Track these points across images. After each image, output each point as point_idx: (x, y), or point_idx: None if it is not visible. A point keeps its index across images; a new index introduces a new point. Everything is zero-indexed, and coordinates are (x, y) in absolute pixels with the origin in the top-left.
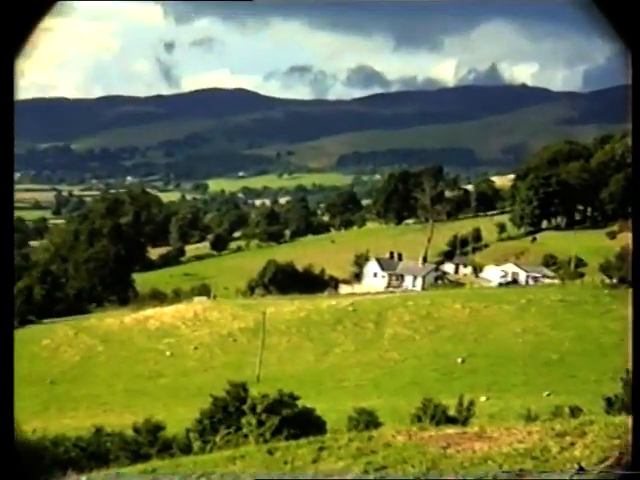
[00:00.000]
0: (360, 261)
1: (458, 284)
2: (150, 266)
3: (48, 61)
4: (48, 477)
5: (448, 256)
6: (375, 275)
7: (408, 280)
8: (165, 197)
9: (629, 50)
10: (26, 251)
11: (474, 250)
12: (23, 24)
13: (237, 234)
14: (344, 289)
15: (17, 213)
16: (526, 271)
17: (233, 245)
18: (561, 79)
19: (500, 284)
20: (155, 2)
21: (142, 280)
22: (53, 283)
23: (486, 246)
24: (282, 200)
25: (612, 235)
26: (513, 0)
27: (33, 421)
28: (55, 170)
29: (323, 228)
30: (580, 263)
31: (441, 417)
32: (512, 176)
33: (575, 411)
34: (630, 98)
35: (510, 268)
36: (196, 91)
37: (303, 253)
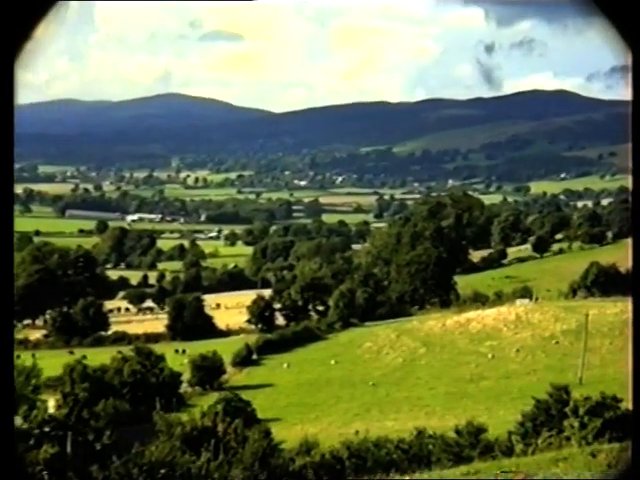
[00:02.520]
0: None
1: None
2: (472, 268)
3: (372, 65)
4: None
5: None
6: None
7: None
8: (487, 199)
9: (629, 50)
10: (348, 254)
11: None
12: (23, 25)
13: (559, 236)
14: None
15: (340, 216)
16: None
17: (555, 247)
18: None
19: None
20: (477, 6)
21: (464, 282)
22: (375, 286)
23: None
24: (604, 202)
25: None
26: None
27: (355, 423)
28: (377, 174)
29: None
30: None
31: None
32: None
33: None
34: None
35: None
36: (517, 93)
37: (626, 255)
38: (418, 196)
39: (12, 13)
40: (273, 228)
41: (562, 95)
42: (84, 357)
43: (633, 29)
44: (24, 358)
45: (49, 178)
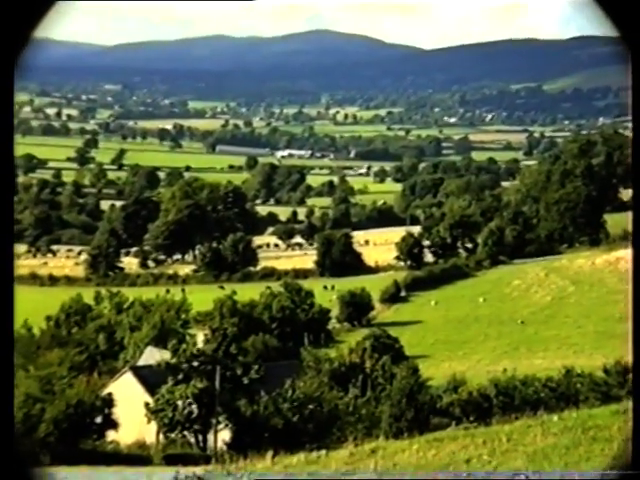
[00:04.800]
0: None
1: None
2: (622, 207)
3: (524, 3)
4: (519, 415)
5: None
6: None
7: None
8: None
9: (629, 50)
10: (498, 192)
11: None
12: (23, 24)
13: None
14: None
15: (489, 154)
16: None
17: None
18: None
19: None
20: None
21: (613, 221)
22: (524, 224)
23: None
24: None
25: None
26: None
27: (503, 360)
28: (527, 111)
29: None
30: None
31: None
32: None
33: None
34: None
35: None
36: None
37: None
38: (568, 134)
39: (12, 13)
40: (422, 165)
41: None
42: (234, 292)
43: (633, 29)
44: (173, 293)
45: (199, 114)
